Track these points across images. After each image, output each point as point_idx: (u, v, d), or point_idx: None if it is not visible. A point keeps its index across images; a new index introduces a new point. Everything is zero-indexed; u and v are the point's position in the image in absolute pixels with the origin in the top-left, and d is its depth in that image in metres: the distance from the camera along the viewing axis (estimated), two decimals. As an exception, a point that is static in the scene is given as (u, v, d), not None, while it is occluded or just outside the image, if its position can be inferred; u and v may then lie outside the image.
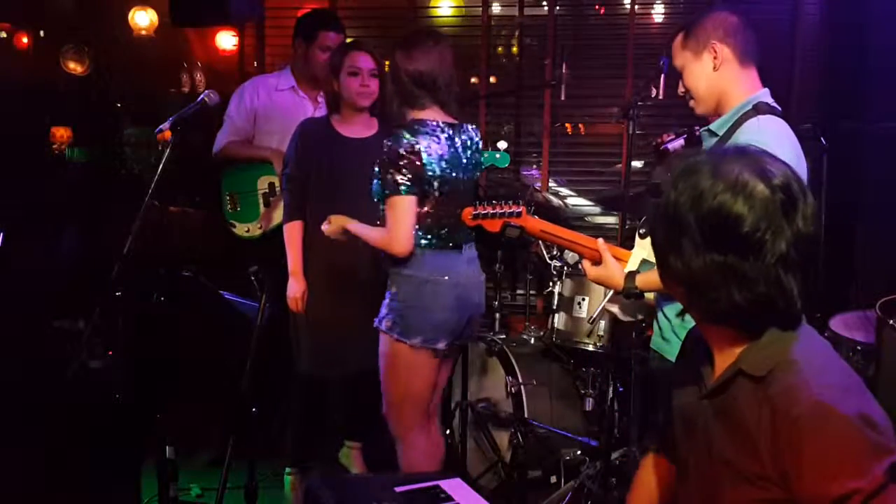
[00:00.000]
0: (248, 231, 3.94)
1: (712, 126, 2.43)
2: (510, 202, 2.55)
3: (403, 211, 2.83)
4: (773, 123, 2.31)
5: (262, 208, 3.93)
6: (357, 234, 2.95)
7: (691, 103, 2.49)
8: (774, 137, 2.25)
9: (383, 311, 2.96)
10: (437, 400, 3.17)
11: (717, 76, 2.40)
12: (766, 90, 2.43)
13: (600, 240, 2.49)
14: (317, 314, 3.42)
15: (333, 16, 3.95)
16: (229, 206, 3.98)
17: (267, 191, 3.91)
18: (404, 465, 3.06)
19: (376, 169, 2.88)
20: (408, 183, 2.81)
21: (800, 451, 1.35)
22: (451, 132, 2.93)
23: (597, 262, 2.47)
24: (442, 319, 2.91)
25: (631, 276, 2.40)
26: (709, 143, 2.43)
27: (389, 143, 2.86)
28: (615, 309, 2.93)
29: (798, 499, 1.38)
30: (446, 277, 2.91)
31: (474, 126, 3.10)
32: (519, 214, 2.52)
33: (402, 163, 2.81)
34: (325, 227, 3.01)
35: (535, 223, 2.56)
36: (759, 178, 1.40)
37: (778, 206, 1.39)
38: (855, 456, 1.32)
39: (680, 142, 3.22)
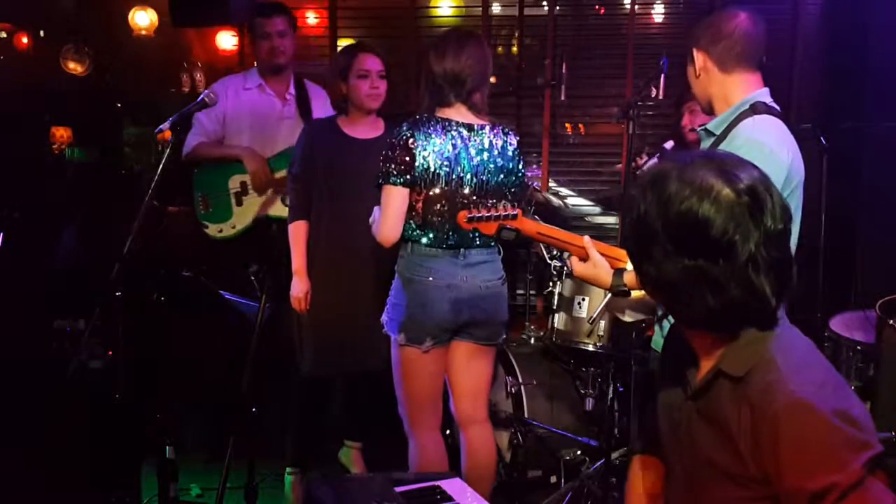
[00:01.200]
0: (220, 231, 3.90)
1: (709, 126, 2.45)
2: (506, 204, 2.54)
3: (390, 201, 2.85)
4: (768, 123, 2.32)
5: (234, 208, 3.91)
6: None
7: None
8: (769, 137, 2.26)
9: (386, 313, 3.01)
10: (469, 405, 3.09)
11: (700, 81, 2.45)
12: (766, 90, 2.43)
13: (586, 237, 2.48)
14: (320, 313, 3.43)
15: (270, 3, 3.94)
16: (202, 207, 3.95)
17: (239, 190, 3.90)
18: (410, 464, 3.06)
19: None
20: (395, 174, 2.84)
21: (778, 448, 1.37)
22: (464, 132, 2.92)
23: (584, 259, 2.47)
24: (423, 320, 2.90)
25: (619, 273, 2.40)
26: (706, 142, 2.45)
27: (390, 135, 2.92)
28: (620, 309, 2.92)
29: (779, 495, 1.39)
30: (431, 279, 2.89)
31: (508, 129, 3.04)
32: (515, 217, 2.51)
33: (394, 153, 2.84)
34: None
35: (531, 225, 2.55)
36: (724, 182, 1.42)
37: (744, 209, 1.40)
38: (832, 450, 1.34)
39: (654, 161, 3.25)
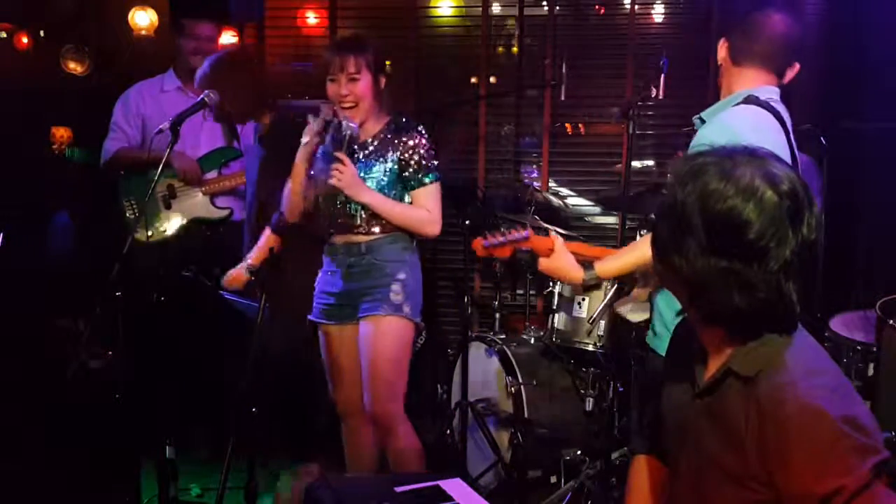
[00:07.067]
0: (151, 236, 3.90)
1: (703, 114, 2.49)
2: (517, 226, 2.56)
3: (439, 196, 3.13)
4: (748, 111, 2.34)
5: (163, 212, 3.93)
6: (382, 207, 3.06)
7: None
8: (743, 124, 2.27)
9: (397, 297, 3.08)
10: None
11: (721, 70, 2.52)
12: (769, 88, 2.43)
13: (553, 234, 2.54)
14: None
15: (200, 4, 3.97)
16: (129, 212, 3.96)
17: (167, 193, 3.92)
18: (401, 457, 3.11)
19: (392, 160, 3.08)
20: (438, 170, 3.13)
21: (786, 452, 1.36)
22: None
23: (547, 255, 2.53)
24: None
25: (589, 266, 2.44)
26: (700, 129, 2.47)
27: (421, 135, 3.10)
28: (625, 309, 2.93)
29: (785, 498, 1.39)
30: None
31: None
32: (527, 238, 2.53)
33: (433, 152, 3.11)
34: (336, 174, 3.01)
35: (543, 243, 2.57)
36: (768, 184, 1.40)
37: (784, 214, 1.39)
38: (840, 455, 1.34)
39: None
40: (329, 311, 3.22)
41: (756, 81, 2.43)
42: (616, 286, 3.49)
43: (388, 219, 3.08)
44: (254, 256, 3.37)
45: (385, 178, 3.09)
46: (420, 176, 3.10)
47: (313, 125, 3.07)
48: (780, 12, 2.46)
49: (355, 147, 3.11)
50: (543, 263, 2.53)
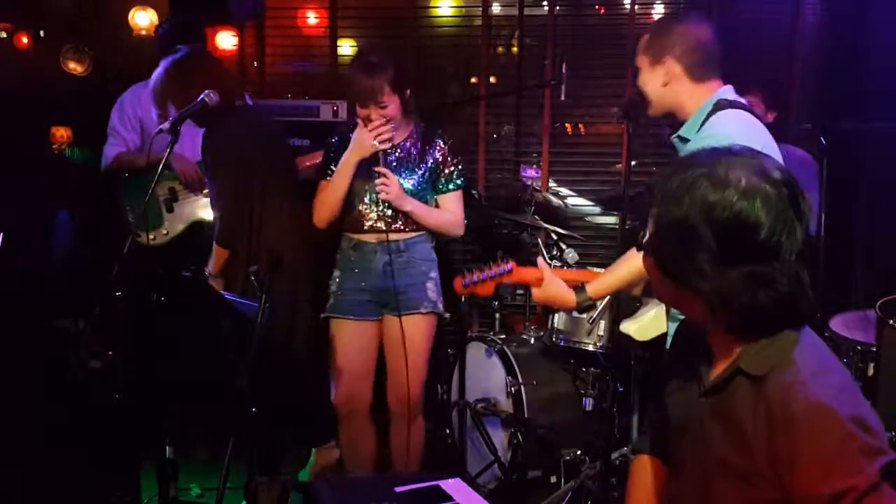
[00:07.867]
0: (153, 239, 3.91)
1: (682, 132, 2.46)
2: (499, 260, 2.56)
3: (462, 199, 3.35)
4: (730, 115, 2.35)
5: (165, 214, 3.94)
6: (420, 213, 3.24)
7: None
8: (733, 128, 2.27)
9: (433, 294, 3.28)
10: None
11: (667, 90, 2.46)
12: (728, 87, 2.45)
13: (539, 259, 2.53)
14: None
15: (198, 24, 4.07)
16: (131, 215, 3.97)
17: (168, 196, 3.93)
18: (413, 447, 3.31)
19: (427, 168, 3.25)
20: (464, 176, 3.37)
21: (795, 451, 1.36)
22: None
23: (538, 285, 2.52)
24: None
25: (580, 289, 2.41)
26: (682, 149, 2.45)
27: (447, 141, 3.28)
28: (631, 330, 2.93)
29: (792, 497, 1.38)
30: None
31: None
32: (510, 272, 2.53)
33: (459, 158, 3.32)
34: (383, 189, 3.13)
35: (528, 273, 2.56)
36: (763, 179, 1.40)
37: (786, 203, 1.39)
38: (849, 456, 1.34)
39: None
40: (354, 307, 3.31)
41: (715, 87, 2.45)
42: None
43: (423, 224, 3.25)
44: (211, 266, 3.41)
45: (422, 184, 3.25)
46: (450, 182, 3.31)
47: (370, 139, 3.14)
48: (700, 17, 2.51)
49: (388, 158, 3.23)
50: (537, 294, 2.51)
